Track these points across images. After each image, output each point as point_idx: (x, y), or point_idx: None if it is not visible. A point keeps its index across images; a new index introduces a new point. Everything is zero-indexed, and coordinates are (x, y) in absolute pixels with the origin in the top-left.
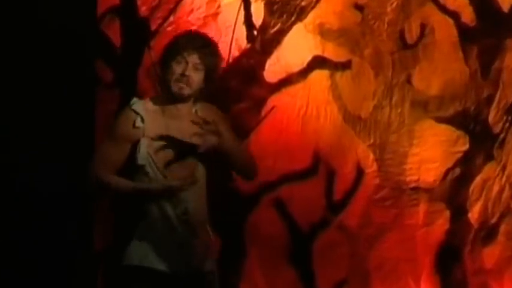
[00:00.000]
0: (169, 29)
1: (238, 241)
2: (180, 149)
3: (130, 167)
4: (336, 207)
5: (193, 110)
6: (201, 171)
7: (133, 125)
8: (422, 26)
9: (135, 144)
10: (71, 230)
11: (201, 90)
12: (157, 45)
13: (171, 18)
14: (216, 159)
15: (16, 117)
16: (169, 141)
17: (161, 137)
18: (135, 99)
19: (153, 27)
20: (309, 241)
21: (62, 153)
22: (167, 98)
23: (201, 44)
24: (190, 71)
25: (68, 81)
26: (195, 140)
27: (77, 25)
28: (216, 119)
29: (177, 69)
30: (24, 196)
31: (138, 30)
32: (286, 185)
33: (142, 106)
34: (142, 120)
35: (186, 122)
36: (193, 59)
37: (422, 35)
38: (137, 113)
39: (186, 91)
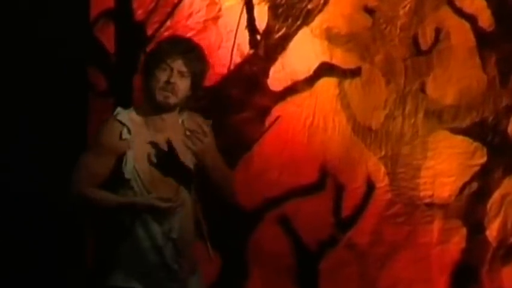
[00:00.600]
0: (166, 34)
1: (240, 260)
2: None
3: (115, 181)
4: (344, 224)
5: (180, 121)
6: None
7: (120, 137)
8: (437, 31)
9: (120, 157)
10: (62, 247)
11: (187, 98)
12: None
13: (169, 23)
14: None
15: (4, 127)
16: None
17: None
18: (119, 109)
19: (150, 32)
20: (316, 260)
21: (52, 165)
22: (151, 108)
23: (185, 48)
24: (176, 78)
25: (58, 89)
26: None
27: (69, 30)
28: (201, 130)
29: (162, 77)
30: (12, 210)
31: (134, 35)
32: (291, 201)
33: (128, 116)
34: (129, 131)
35: (171, 133)
36: (178, 65)
37: (437, 40)
38: (123, 124)
39: (172, 100)
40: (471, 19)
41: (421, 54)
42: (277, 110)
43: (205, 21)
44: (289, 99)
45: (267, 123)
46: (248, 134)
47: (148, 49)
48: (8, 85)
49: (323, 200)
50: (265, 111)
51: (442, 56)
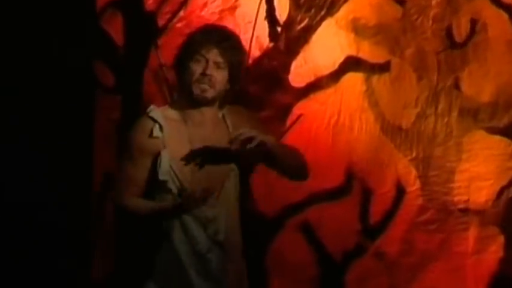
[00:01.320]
0: (179, 25)
1: (259, 271)
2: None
3: (151, 185)
4: (372, 231)
5: (220, 115)
6: (233, 181)
7: (150, 134)
8: (473, 22)
9: (156, 157)
10: (68, 257)
11: (226, 91)
12: (166, 44)
13: (182, 13)
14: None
15: (4, 126)
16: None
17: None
18: (152, 107)
19: (161, 23)
20: (342, 271)
21: (56, 169)
22: (188, 102)
23: (220, 37)
24: (212, 70)
25: (62, 85)
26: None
27: (74, 21)
28: (248, 124)
29: (197, 69)
30: (14, 218)
31: (144, 27)
32: (314, 206)
33: (161, 113)
34: (161, 128)
35: (210, 128)
36: (214, 55)
37: (472, 32)
38: (155, 121)
39: (210, 93)
40: (510, 9)
41: (456, 48)
42: (299, 108)
43: (222, 11)
44: (312, 96)
45: (288, 122)
46: (267, 134)
47: (159, 43)
48: (8, 81)
49: (349, 205)
50: (286, 110)
51: (479, 50)
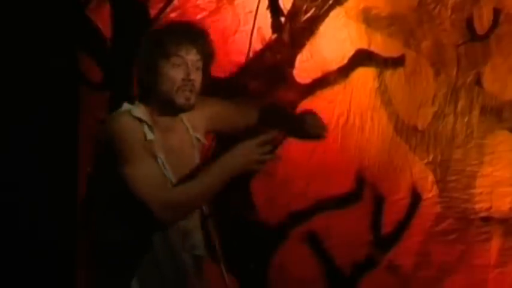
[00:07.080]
0: (172, 15)
1: (261, 286)
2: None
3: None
4: (385, 242)
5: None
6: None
7: (145, 138)
8: (496, 12)
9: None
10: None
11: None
12: None
13: (175, 2)
14: None
15: None
16: None
17: None
18: (126, 104)
19: (153, 12)
20: (351, 286)
21: (37, 176)
22: (160, 108)
23: (194, 35)
24: (193, 74)
25: (43, 82)
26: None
27: (56, 10)
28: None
29: (177, 75)
30: None
31: (134, 17)
32: (321, 215)
33: (144, 112)
34: (151, 130)
35: (177, 136)
36: (193, 56)
37: (495, 23)
38: (142, 121)
39: (193, 99)
40: None
41: (477, 40)
42: (304, 106)
43: (219, 0)
44: (319, 93)
45: None
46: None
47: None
48: None
49: (359, 213)
50: (291, 108)
51: (502, 42)
